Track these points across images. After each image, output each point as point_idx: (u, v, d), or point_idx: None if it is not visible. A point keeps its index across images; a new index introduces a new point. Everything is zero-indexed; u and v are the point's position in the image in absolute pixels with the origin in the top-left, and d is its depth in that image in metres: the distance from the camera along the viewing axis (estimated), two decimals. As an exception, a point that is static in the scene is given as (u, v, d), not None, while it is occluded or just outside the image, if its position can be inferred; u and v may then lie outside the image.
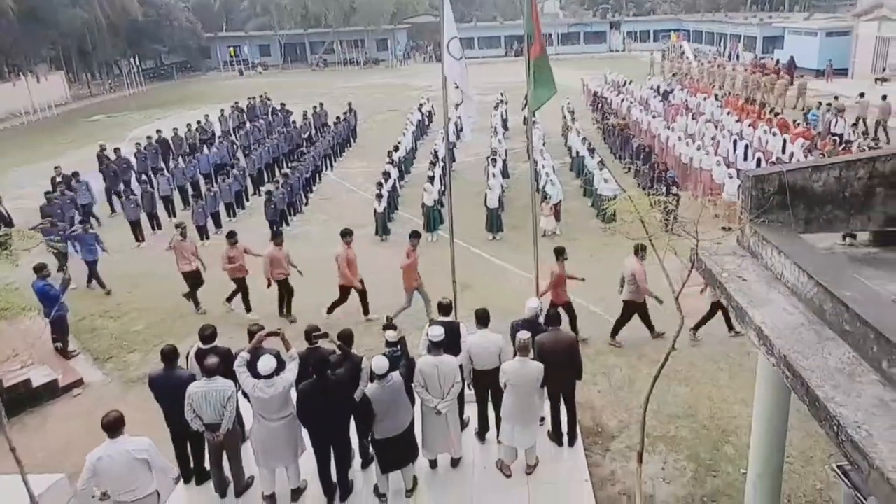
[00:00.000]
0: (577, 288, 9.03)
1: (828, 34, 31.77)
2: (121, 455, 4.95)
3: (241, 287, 10.13)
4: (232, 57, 53.99)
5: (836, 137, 15.90)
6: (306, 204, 16.59)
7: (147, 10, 44.68)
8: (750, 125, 17.43)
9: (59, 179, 15.07)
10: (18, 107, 32.75)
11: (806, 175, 4.58)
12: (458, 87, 7.40)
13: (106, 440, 4.99)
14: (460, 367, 6.10)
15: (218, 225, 14.65)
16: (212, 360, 5.72)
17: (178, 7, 50.61)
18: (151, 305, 10.85)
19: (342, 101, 26.08)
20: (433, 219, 13.81)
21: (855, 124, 17.72)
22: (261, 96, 27.03)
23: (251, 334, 6.22)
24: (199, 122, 21.58)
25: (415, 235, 9.63)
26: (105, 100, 40.39)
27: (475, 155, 19.32)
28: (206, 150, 18.57)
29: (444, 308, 6.77)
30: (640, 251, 8.39)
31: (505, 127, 22.33)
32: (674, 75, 30.23)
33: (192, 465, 6.25)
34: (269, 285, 9.87)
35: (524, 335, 5.95)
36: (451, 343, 6.25)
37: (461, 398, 6.41)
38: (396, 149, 17.84)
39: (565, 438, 6.60)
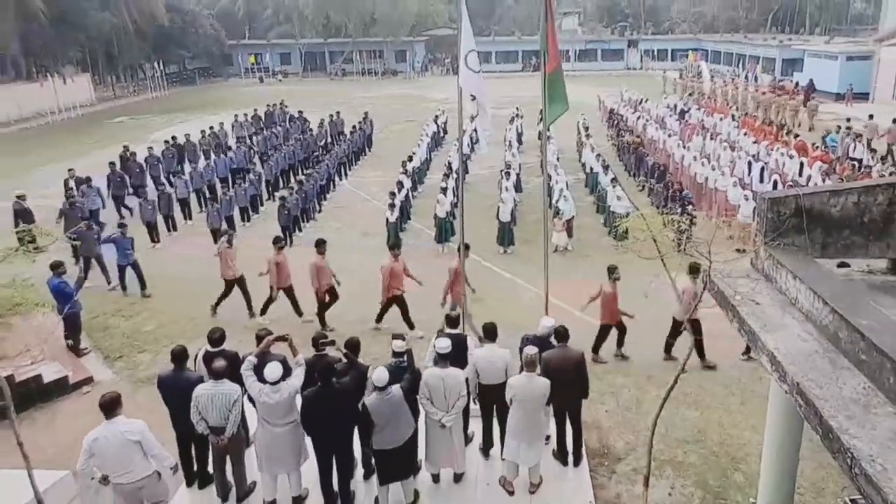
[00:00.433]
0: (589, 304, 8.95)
1: (848, 58, 31.60)
2: (115, 436, 5.03)
3: (289, 293, 10.07)
4: (253, 64, 54.79)
5: (856, 162, 15.75)
6: (319, 211, 16.70)
7: (173, 17, 45.63)
8: (767, 147, 17.32)
9: (71, 184, 15.16)
10: (45, 107, 33.42)
11: (824, 199, 4.53)
12: (474, 100, 7.43)
13: (103, 421, 5.08)
14: (466, 380, 6.06)
15: (232, 229, 14.74)
16: (219, 364, 5.73)
17: (203, 14, 51.58)
18: (163, 306, 10.94)
19: (359, 111, 26.29)
20: (445, 230, 13.83)
21: (874, 150, 17.55)
22: (278, 104, 27.34)
23: (259, 339, 6.23)
24: (211, 128, 21.71)
25: (466, 248, 9.37)
26: (129, 102, 41.12)
27: (489, 168, 19.35)
28: (223, 154, 18.76)
29: (452, 321, 6.75)
30: (694, 272, 8.03)
31: (519, 141, 22.37)
32: (690, 94, 30.18)
33: (195, 468, 6.24)
34: (320, 296, 9.78)
35: (531, 350, 5.91)
36: (457, 356, 6.21)
37: (466, 412, 6.37)
38: (411, 159, 17.93)
39: (570, 458, 6.51)
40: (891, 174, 14.34)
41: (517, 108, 25.39)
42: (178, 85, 49.18)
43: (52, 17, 34.80)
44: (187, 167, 18.23)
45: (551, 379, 5.98)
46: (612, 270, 8.60)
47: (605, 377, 8.44)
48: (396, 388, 5.56)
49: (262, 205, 16.92)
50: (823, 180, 13.44)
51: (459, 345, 6.36)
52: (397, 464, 5.76)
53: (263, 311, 10.09)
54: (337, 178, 19.39)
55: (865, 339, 3.31)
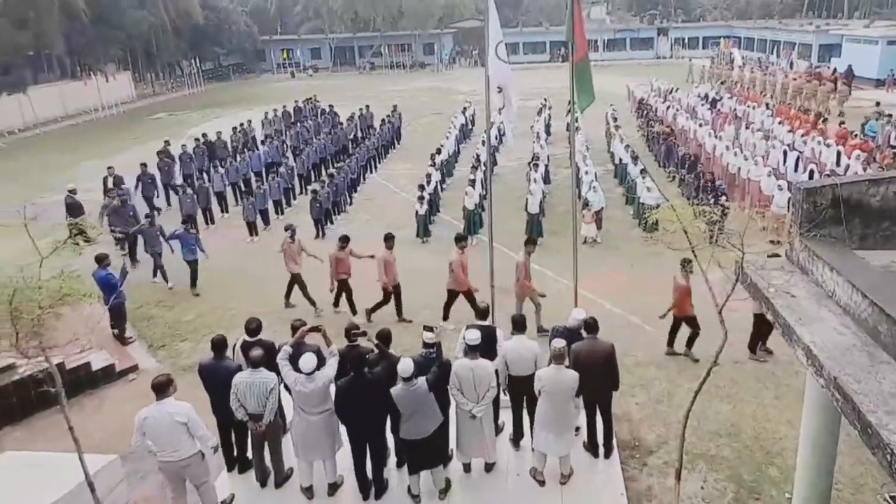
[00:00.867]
0: (615, 296, 8.90)
1: (889, 42, 30.44)
2: (163, 416, 5.32)
3: (346, 289, 10.15)
4: (284, 59, 55.43)
5: (897, 150, 15.23)
6: (350, 204, 16.91)
7: (208, 14, 46.62)
8: (802, 136, 16.86)
9: (109, 182, 15.44)
10: (89, 104, 34.52)
11: (863, 189, 4.44)
12: (500, 92, 7.43)
13: (154, 401, 5.37)
14: (496, 372, 6.13)
15: (266, 222, 15.08)
16: (257, 353, 5.91)
17: (237, 11, 52.41)
18: (202, 297, 11.28)
19: (388, 104, 26.45)
20: (473, 222, 13.87)
21: None
22: (309, 99, 27.65)
23: (294, 329, 6.40)
24: (242, 125, 21.86)
25: (531, 242, 9.57)
26: (167, 99, 42.14)
27: (517, 160, 19.28)
28: (254, 150, 19.06)
29: (482, 312, 6.81)
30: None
31: (548, 132, 22.22)
32: (722, 83, 29.51)
33: (235, 453, 6.46)
34: (387, 291, 9.83)
35: (559, 343, 5.94)
36: (487, 348, 6.27)
37: (496, 403, 6.43)
38: (439, 152, 17.99)
39: (601, 450, 6.52)
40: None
41: (545, 100, 25.19)
42: (213, 81, 50.14)
43: (93, 16, 35.86)
44: (218, 165, 18.51)
45: (581, 371, 6.00)
46: (685, 263, 8.34)
47: (636, 370, 8.40)
48: (422, 381, 5.63)
49: (294, 198, 17.22)
50: (864, 169, 13.04)
51: (489, 336, 6.43)
52: (424, 454, 5.86)
53: (353, 310, 10.14)
54: (367, 171, 19.58)
55: (905, 333, 3.27)
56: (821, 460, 4.72)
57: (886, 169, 12.50)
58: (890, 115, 17.92)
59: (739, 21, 53.19)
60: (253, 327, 6.57)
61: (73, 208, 13.47)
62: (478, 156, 16.90)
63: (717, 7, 58.85)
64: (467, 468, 6.37)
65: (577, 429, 6.71)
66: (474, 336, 5.98)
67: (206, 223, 15.28)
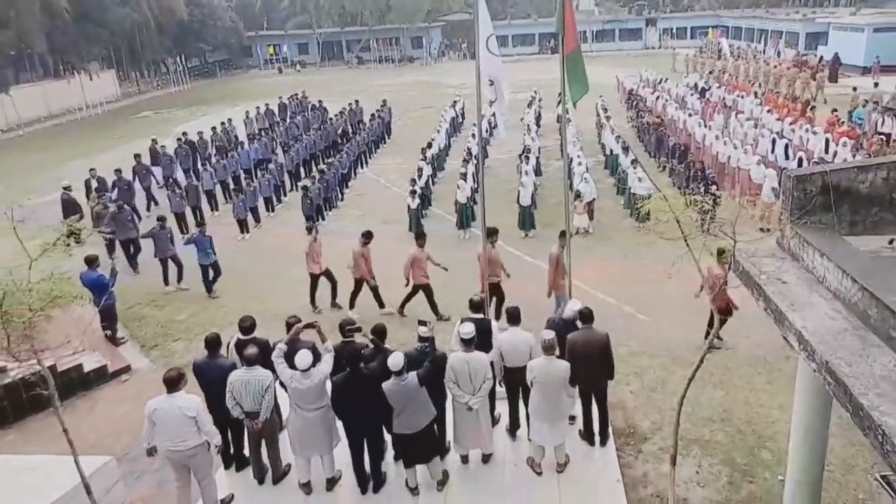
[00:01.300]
0: (608, 286, 8.95)
1: (875, 30, 30.62)
2: (173, 409, 5.42)
3: (371, 286, 10.01)
4: (271, 55, 55.01)
5: (884, 137, 15.35)
6: (341, 199, 16.86)
7: (192, 10, 46.07)
8: (791, 124, 16.96)
9: (93, 183, 15.15)
10: (73, 103, 34.08)
11: (851, 176, 4.48)
12: (491, 85, 7.42)
13: (164, 393, 5.46)
14: (491, 363, 6.15)
15: (257, 219, 15.01)
16: (252, 350, 5.90)
17: (222, 7, 51.91)
18: (194, 295, 11.21)
19: (377, 99, 26.33)
20: (466, 216, 13.87)
21: None
22: (294, 95, 27.43)
23: (289, 326, 6.38)
24: (223, 124, 21.50)
25: (563, 236, 8.94)
26: (152, 97, 41.75)
27: (508, 152, 19.29)
28: (235, 151, 18.57)
29: (476, 305, 6.82)
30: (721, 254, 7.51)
31: (538, 124, 22.23)
32: (711, 72, 29.63)
33: (232, 451, 6.46)
34: (407, 284, 9.73)
35: (548, 334, 5.98)
36: (482, 340, 6.30)
37: (492, 395, 6.46)
38: (430, 146, 17.95)
39: (597, 438, 6.57)
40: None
41: (535, 92, 25.18)
42: (199, 78, 49.71)
43: (75, 14, 35.42)
44: (205, 165, 18.28)
45: (576, 360, 6.04)
46: (721, 253, 8.19)
47: (630, 358, 8.46)
48: (412, 375, 5.63)
49: (285, 195, 17.14)
50: (853, 156, 13.15)
51: (484, 329, 6.45)
52: (417, 448, 5.88)
53: (381, 304, 10.07)
54: (357, 167, 19.51)
55: None
56: (813, 443, 4.78)
57: (874, 155, 12.61)
58: (877, 102, 18.07)
59: (727, 10, 53.31)
60: (246, 325, 6.54)
61: (69, 205, 13.32)
62: (469, 149, 16.88)
63: (704, -4, 59.02)
64: (465, 459, 6.41)
65: (573, 418, 6.77)
66: (468, 330, 6.00)
67: (197, 221, 15.16)
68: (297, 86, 32.50)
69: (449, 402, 6.20)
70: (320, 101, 26.16)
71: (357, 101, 25.04)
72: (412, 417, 5.71)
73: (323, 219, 15.11)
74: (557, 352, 5.97)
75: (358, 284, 10.00)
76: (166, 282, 11.49)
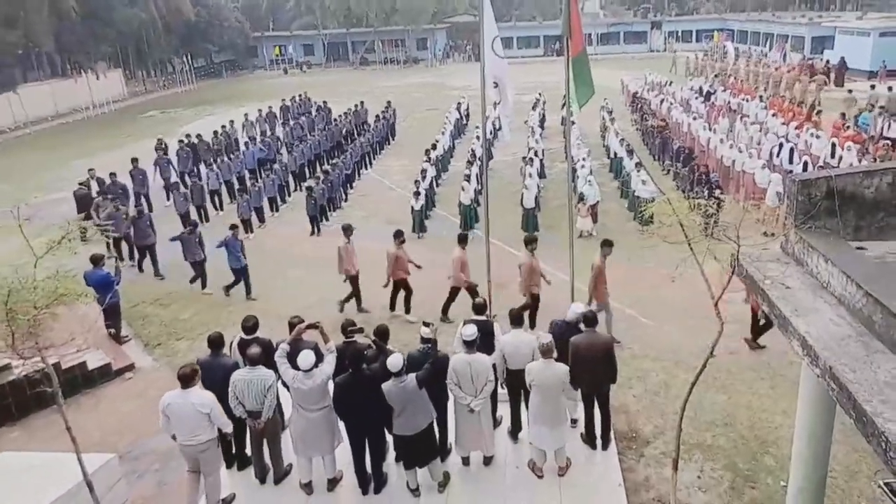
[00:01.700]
0: (612, 289, 8.93)
1: (882, 34, 30.53)
2: (186, 405, 5.50)
3: (406, 288, 9.92)
4: (277, 56, 55.14)
5: (889, 141, 15.29)
6: (345, 200, 16.88)
7: (199, 11, 46.23)
8: (796, 128, 16.92)
9: (93, 184, 15.12)
10: (80, 103, 34.21)
11: (857, 181, 4.47)
12: (496, 87, 7.43)
13: (178, 388, 5.54)
14: (493, 366, 6.15)
15: (261, 219, 15.05)
16: (254, 350, 5.92)
17: (228, 7, 52.09)
18: (198, 295, 11.24)
19: (382, 100, 26.36)
20: (469, 217, 13.88)
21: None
22: (298, 96, 27.45)
23: (291, 326, 6.39)
24: (223, 126, 21.36)
25: (607, 244, 8.82)
26: (159, 96, 41.86)
27: (512, 154, 19.28)
28: (234, 153, 18.46)
29: (479, 307, 6.83)
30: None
31: (542, 127, 22.22)
32: (716, 76, 29.59)
33: (234, 450, 6.47)
34: (461, 289, 9.52)
35: (545, 338, 5.98)
36: (485, 342, 6.30)
37: (494, 397, 6.45)
38: (434, 147, 17.96)
39: (599, 441, 6.56)
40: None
41: (539, 94, 25.18)
42: (205, 78, 49.86)
43: (82, 14, 35.59)
44: (208, 166, 18.22)
45: (579, 363, 6.03)
46: None
47: (633, 362, 8.45)
48: (411, 377, 5.64)
49: (289, 195, 17.17)
50: (859, 161, 13.10)
51: (486, 331, 6.45)
52: (416, 450, 5.88)
53: (408, 310, 9.92)
54: (361, 168, 19.54)
55: (900, 322, 3.29)
56: (816, 449, 4.76)
57: (880, 160, 12.56)
58: (883, 107, 17.99)
59: (732, 14, 53.19)
60: (250, 325, 6.56)
61: (85, 200, 13.41)
62: (473, 151, 16.89)
63: (710, 0, 58.87)
64: (466, 461, 6.40)
65: (575, 421, 6.76)
66: (470, 332, 6.00)
67: (201, 221, 15.21)
68: (302, 86, 32.57)
69: (451, 403, 6.20)
70: (325, 102, 26.21)
71: (362, 103, 25.08)
72: (411, 419, 5.72)
73: (327, 219, 15.14)
74: (556, 355, 5.97)
75: (396, 287, 9.87)
76: (204, 285, 11.28)
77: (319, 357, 5.94)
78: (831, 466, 5.46)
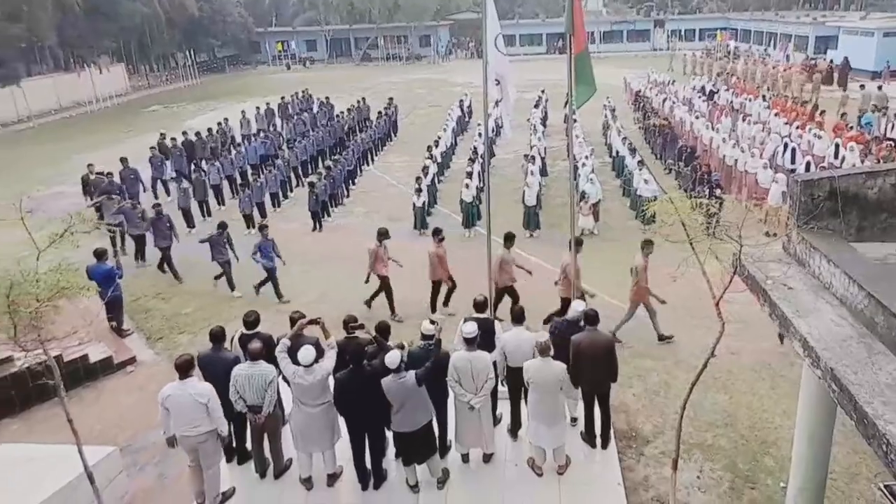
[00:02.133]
0: (613, 288, 8.93)
1: (886, 34, 30.44)
2: (185, 396, 5.52)
3: (448, 286, 9.85)
4: (280, 51, 55.08)
5: (893, 142, 15.25)
6: (347, 196, 16.88)
7: (202, 6, 46.19)
8: (798, 128, 16.88)
9: (92, 178, 14.87)
10: (83, 97, 34.18)
11: (860, 181, 4.47)
12: (498, 84, 7.40)
13: (176, 380, 5.56)
14: (494, 363, 6.15)
15: (263, 215, 15.03)
16: (256, 345, 5.93)
17: (231, 2, 51.94)
18: (200, 289, 11.25)
19: (384, 96, 26.34)
20: (471, 215, 13.87)
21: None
22: (299, 93, 27.37)
23: (293, 321, 6.40)
24: (219, 123, 21.14)
25: (649, 244, 8.74)
26: (162, 91, 41.81)
27: (514, 152, 19.26)
28: (230, 151, 18.26)
29: (479, 305, 6.83)
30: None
31: (544, 124, 22.19)
32: (718, 75, 29.53)
33: (234, 444, 6.48)
34: (499, 290, 9.25)
35: (542, 337, 5.99)
36: (486, 340, 6.30)
37: (494, 394, 6.45)
38: (436, 144, 17.95)
39: (598, 440, 6.57)
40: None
41: (542, 92, 25.14)
42: (208, 73, 49.79)
43: (86, 8, 35.54)
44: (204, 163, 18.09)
45: (580, 362, 6.03)
46: None
47: (633, 361, 8.44)
48: (411, 374, 5.64)
49: (291, 190, 17.16)
50: (862, 162, 13.08)
51: (487, 329, 6.44)
52: (415, 447, 5.89)
53: (446, 303, 9.94)
54: (363, 164, 19.53)
55: (902, 323, 3.29)
56: (816, 450, 4.77)
57: (883, 161, 12.54)
58: (886, 108, 17.95)
59: (736, 13, 53.03)
60: (251, 320, 6.57)
61: (95, 185, 13.50)
62: (475, 148, 16.87)
63: (713, -1, 58.77)
64: (465, 458, 6.41)
65: (575, 420, 6.77)
66: (470, 329, 6.00)
67: (203, 216, 15.23)
68: (305, 82, 32.55)
69: (451, 400, 6.20)
70: (327, 98, 26.18)
71: (364, 99, 25.04)
72: (410, 415, 5.72)
73: (329, 215, 15.14)
74: (552, 353, 5.97)
75: (436, 286, 9.85)
76: (232, 287, 11.13)
77: (320, 353, 5.95)
78: (831, 468, 5.46)
